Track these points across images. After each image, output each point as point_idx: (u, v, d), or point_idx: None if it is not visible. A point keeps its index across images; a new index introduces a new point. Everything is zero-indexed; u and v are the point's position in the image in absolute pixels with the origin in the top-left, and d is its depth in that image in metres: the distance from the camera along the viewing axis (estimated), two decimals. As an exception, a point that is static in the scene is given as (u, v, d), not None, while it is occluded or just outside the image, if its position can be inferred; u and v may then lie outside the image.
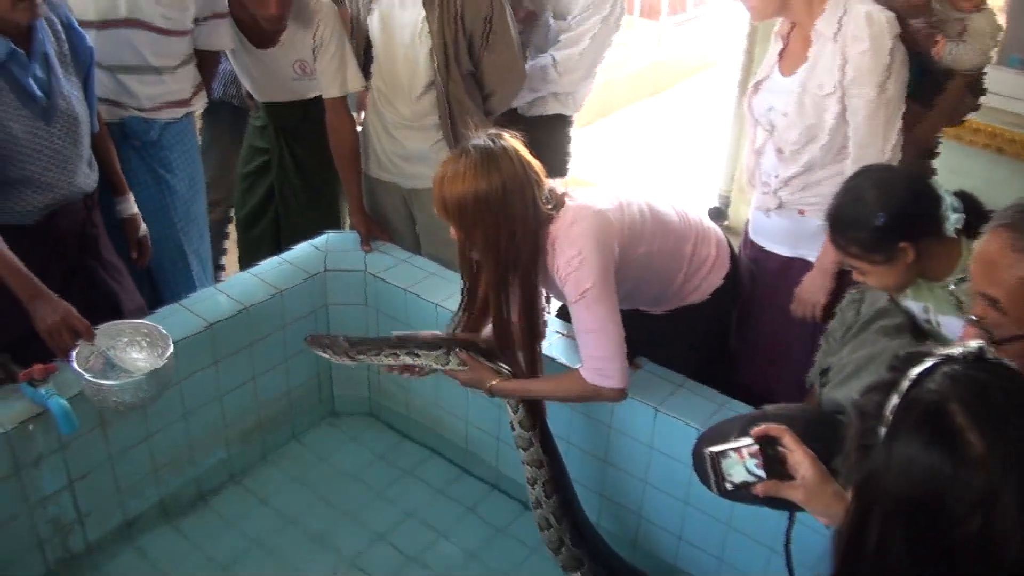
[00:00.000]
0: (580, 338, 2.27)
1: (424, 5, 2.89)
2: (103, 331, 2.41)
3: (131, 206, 2.90)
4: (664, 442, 2.53)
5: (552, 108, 3.45)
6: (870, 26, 2.36)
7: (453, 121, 3.02)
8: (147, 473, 2.71)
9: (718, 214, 5.27)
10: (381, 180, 3.25)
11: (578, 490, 2.60)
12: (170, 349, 2.37)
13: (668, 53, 7.14)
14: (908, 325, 2.01)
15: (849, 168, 2.45)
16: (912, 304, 2.07)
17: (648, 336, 2.53)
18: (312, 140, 3.29)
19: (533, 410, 2.45)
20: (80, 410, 2.35)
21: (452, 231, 2.24)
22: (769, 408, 1.94)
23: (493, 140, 2.17)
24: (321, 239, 3.20)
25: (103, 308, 2.67)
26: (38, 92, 2.40)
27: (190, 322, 2.73)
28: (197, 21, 2.99)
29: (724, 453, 1.47)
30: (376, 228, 3.22)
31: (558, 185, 2.30)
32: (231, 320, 2.79)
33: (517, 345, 2.40)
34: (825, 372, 2.00)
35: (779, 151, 2.57)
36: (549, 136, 3.54)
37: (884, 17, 2.38)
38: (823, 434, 1.81)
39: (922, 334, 2.06)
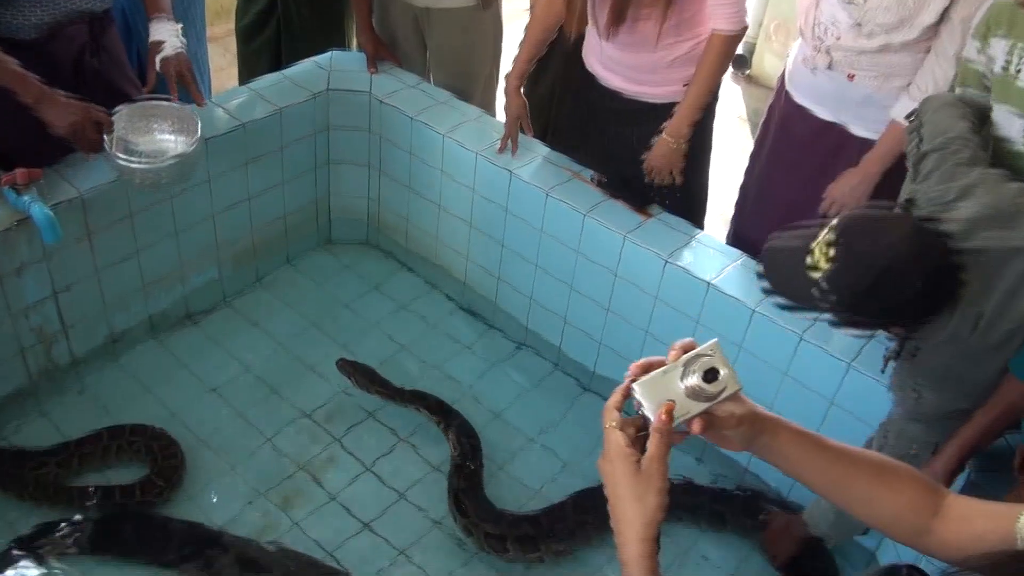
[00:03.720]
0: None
1: None
2: (125, 114, 2.32)
3: (160, 30, 2.40)
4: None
5: None
6: None
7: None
8: (135, 289, 2.64)
9: (741, 61, 5.06)
10: (393, -4, 3.04)
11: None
12: (198, 134, 2.31)
13: None
14: (981, 154, 1.82)
15: (925, 72, 2.25)
16: (1000, 43, 1.87)
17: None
18: (321, -53, 3.07)
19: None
20: (65, 220, 2.26)
21: None
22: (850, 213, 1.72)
23: None
24: (325, 57, 3.02)
25: None
26: None
27: (183, 135, 2.60)
28: None
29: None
30: (384, 49, 3.02)
31: None
32: (226, 136, 2.66)
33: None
34: (910, 201, 1.82)
35: (857, 24, 2.30)
36: None
37: None
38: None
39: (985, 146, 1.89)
